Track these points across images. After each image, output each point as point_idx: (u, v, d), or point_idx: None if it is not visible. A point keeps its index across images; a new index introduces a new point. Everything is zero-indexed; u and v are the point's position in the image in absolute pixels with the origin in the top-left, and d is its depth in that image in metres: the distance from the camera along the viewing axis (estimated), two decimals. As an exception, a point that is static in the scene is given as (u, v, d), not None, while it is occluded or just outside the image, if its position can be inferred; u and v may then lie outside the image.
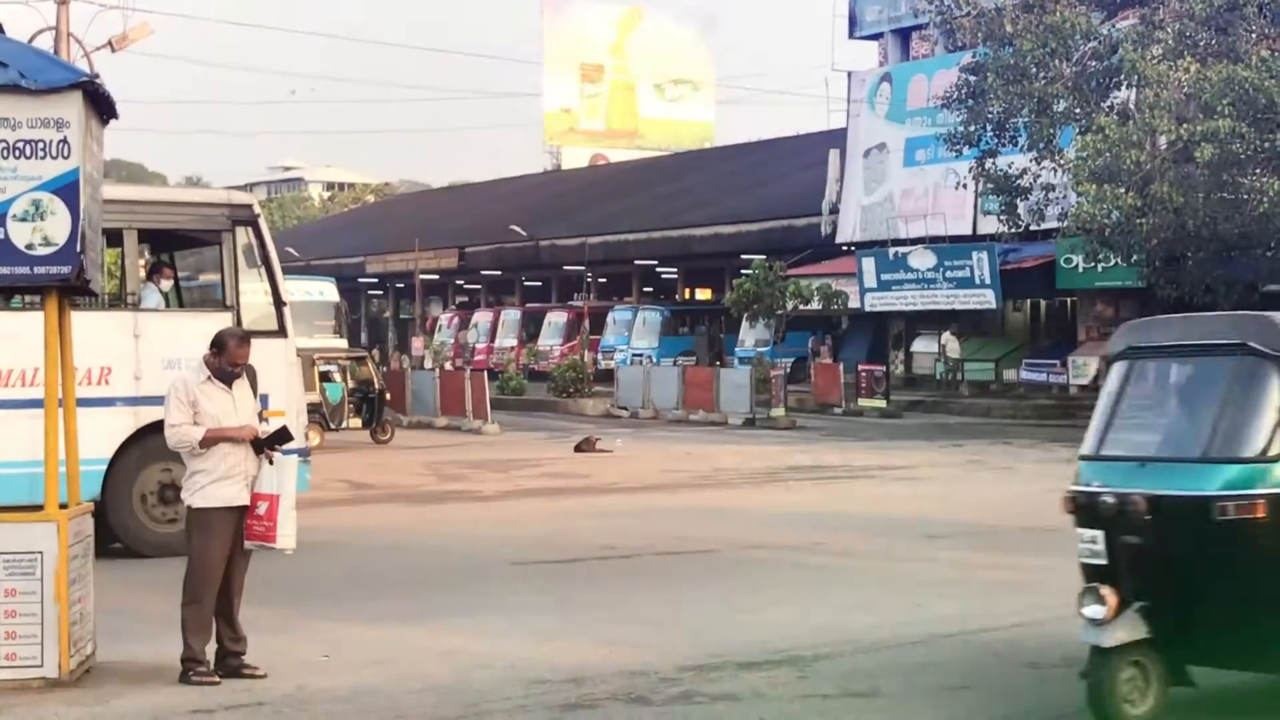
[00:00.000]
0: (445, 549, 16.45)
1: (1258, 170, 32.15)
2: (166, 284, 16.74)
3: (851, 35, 52.60)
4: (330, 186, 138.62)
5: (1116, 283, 40.51)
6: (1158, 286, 36.85)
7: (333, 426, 31.37)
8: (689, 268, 64.69)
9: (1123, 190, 32.53)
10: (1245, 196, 32.17)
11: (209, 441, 9.85)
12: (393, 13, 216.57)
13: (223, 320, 14.63)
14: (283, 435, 10.17)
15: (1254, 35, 33.31)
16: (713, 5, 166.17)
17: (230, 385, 10.01)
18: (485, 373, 41.02)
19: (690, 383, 39.95)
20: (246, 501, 9.95)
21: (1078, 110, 35.35)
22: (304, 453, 15.52)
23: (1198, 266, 34.93)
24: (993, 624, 11.60)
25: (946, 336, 44.43)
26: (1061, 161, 35.41)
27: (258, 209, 16.78)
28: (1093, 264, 38.33)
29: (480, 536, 17.56)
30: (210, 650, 9.99)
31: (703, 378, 40.17)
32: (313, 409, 29.31)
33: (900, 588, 13.45)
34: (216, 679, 9.87)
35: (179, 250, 17.89)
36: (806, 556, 15.65)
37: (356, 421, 32.11)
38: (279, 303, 16.29)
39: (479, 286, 76.45)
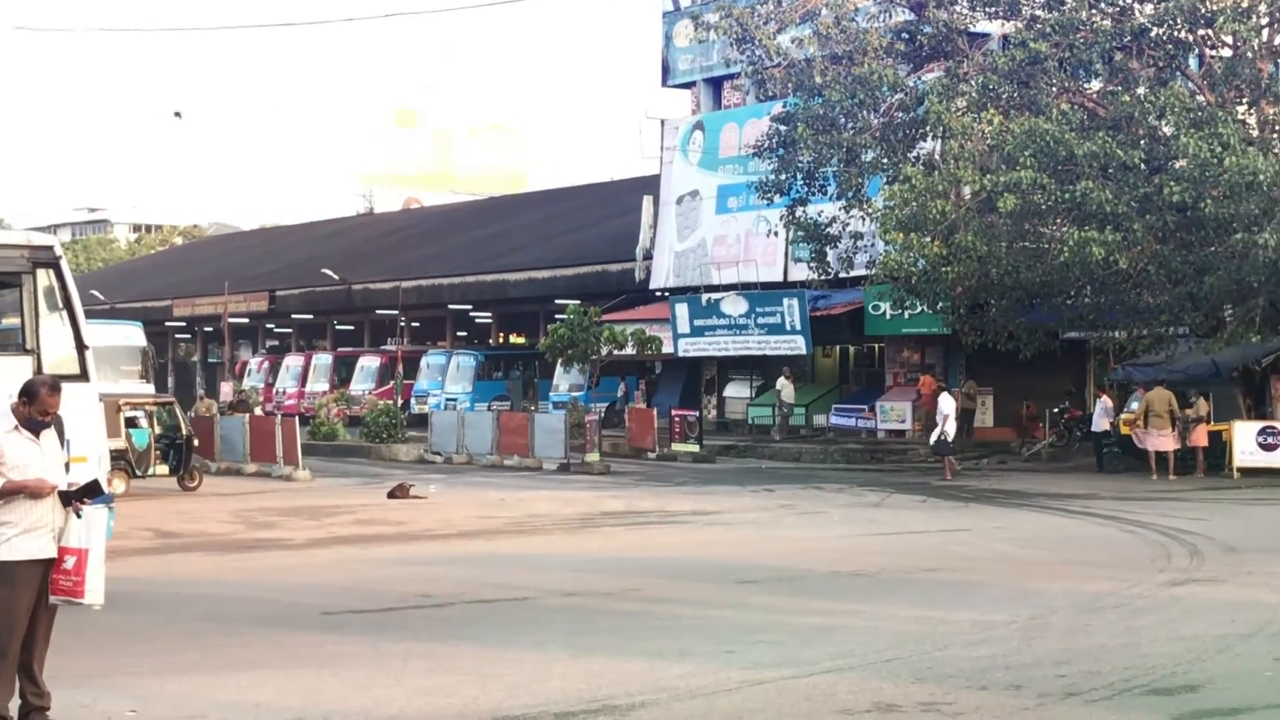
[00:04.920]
0: (255, 599, 16.21)
1: (1058, 220, 33.01)
2: (-44, 326, 16.34)
3: (665, 83, 53.07)
4: (137, 228, 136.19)
5: (923, 329, 41.31)
6: (962, 333, 37.70)
7: (139, 473, 30.79)
8: (503, 312, 64.63)
9: (928, 239, 33.21)
10: (1046, 246, 32.99)
11: (6, 492, 9.61)
12: (200, 55, 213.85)
13: (22, 364, 14.30)
14: (93, 488, 9.93)
15: (1054, 89, 34.25)
16: (528, 51, 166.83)
17: (38, 435, 9.78)
18: (296, 418, 40.48)
19: (505, 428, 39.84)
20: (54, 554, 9.70)
21: (885, 160, 36.08)
22: (108, 500, 15.16)
23: (1001, 314, 35.78)
24: (805, 670, 11.69)
25: (781, 381, 44.79)
26: (869, 210, 36.11)
27: (59, 250, 16.42)
28: (900, 311, 39.07)
29: (292, 585, 17.31)
30: (14, 706, 9.73)
31: (517, 423, 40.08)
32: (119, 455, 28.79)
33: (714, 634, 13.53)
34: (20, 735, 9.62)
35: (-22, 292, 17.45)
36: (622, 603, 15.67)
37: (163, 468, 31.53)
38: (81, 346, 15.96)
39: (290, 330, 75.58)
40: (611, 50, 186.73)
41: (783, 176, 37.85)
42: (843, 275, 39.60)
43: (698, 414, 43.26)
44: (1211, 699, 10.66)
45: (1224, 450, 32.59)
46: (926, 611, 14.66)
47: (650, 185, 52.24)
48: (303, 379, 62.84)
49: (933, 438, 34.02)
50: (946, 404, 33.69)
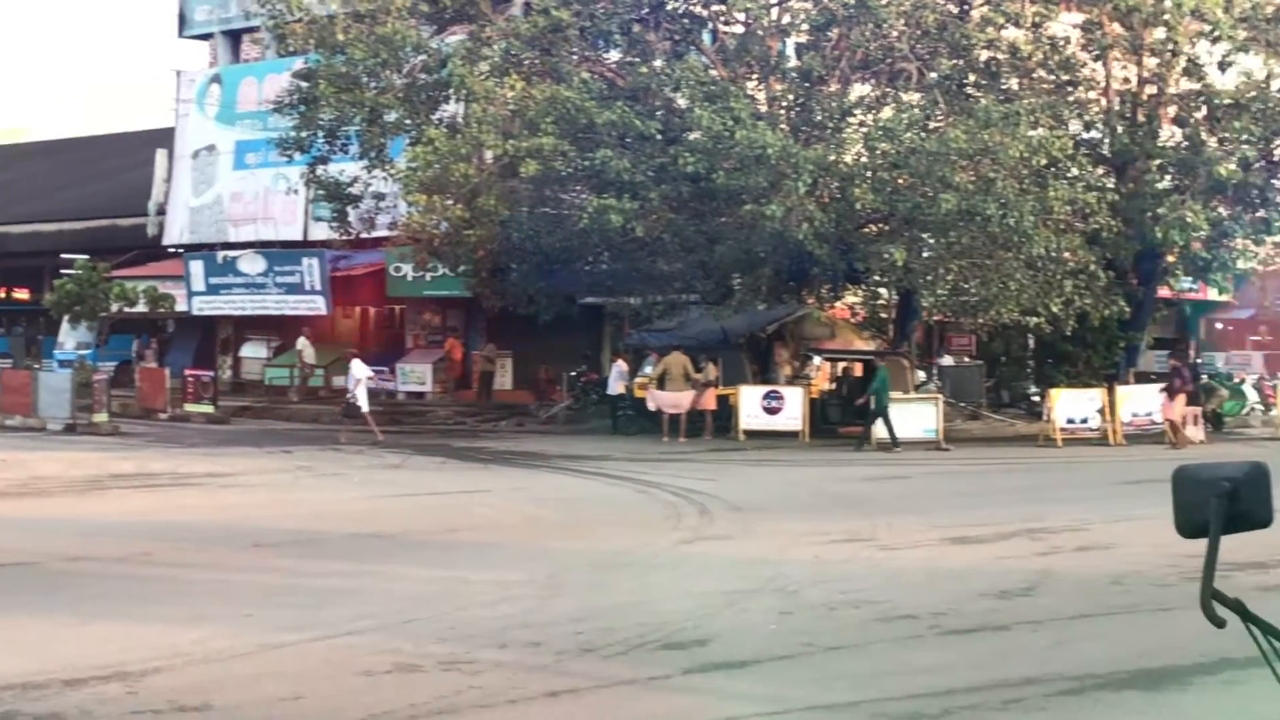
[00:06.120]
0: None
1: (578, 187, 33.62)
2: None
3: (181, 34, 51.60)
4: None
5: (444, 292, 41.47)
6: (484, 296, 38.02)
7: None
8: (4, 266, 61.55)
9: (451, 201, 33.34)
10: (566, 212, 33.58)
11: None
12: None
13: None
14: None
15: (575, 57, 34.82)
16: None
17: None
18: None
19: (5, 386, 38.01)
20: None
21: (408, 121, 36.00)
22: None
23: (522, 278, 36.22)
24: (325, 632, 11.57)
25: (302, 342, 44.13)
26: (392, 171, 35.97)
27: None
28: (422, 273, 39.09)
29: None
30: None
31: (19, 381, 38.29)
32: None
33: (231, 598, 13.25)
34: None
35: None
36: (134, 568, 15.18)
37: None
38: None
39: None
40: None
41: (303, 134, 37.29)
42: (364, 236, 39.37)
43: (213, 374, 42.29)
44: (720, 652, 11.03)
45: (731, 413, 33.84)
46: (447, 572, 14.72)
47: (165, 138, 50.68)
48: None
49: (358, 400, 33.87)
50: (359, 370, 33.79)
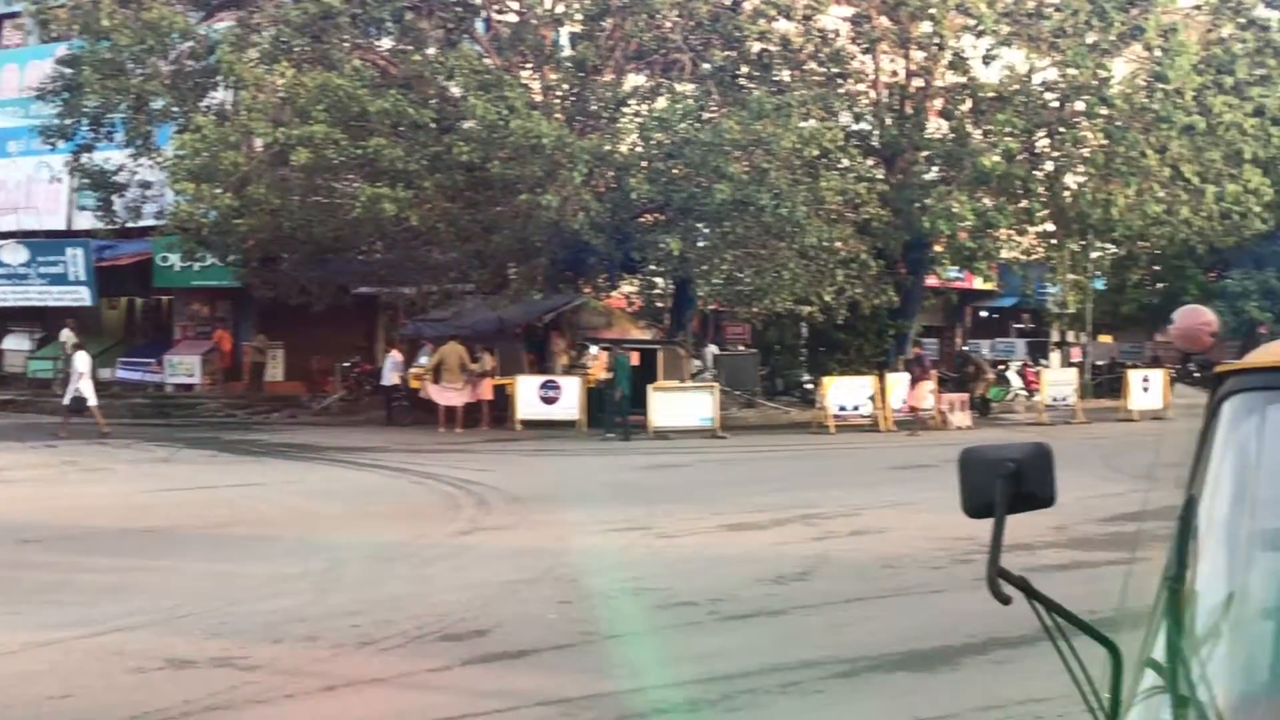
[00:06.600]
0: None
1: (351, 176, 33.22)
2: None
3: (-62, 17, 49.93)
4: None
5: (213, 282, 40.71)
6: (254, 286, 37.45)
7: None
8: None
9: (220, 190, 32.75)
10: (339, 201, 33.16)
11: None
12: None
13: None
14: None
15: (347, 45, 34.40)
16: None
17: None
18: None
19: None
20: None
21: (176, 108, 35.34)
22: None
23: (293, 268, 35.75)
24: (94, 629, 11.28)
25: (66, 334, 42.88)
26: (159, 159, 35.27)
27: None
28: (190, 263, 38.36)
29: None
30: None
31: None
32: None
33: (-4, 597, 12.87)
34: None
35: None
36: (-111, 568, 14.65)
37: None
38: None
39: None
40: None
41: (67, 121, 36.38)
42: (131, 225, 38.51)
43: (-28, 367, 41.06)
44: (500, 642, 11.00)
45: (508, 403, 33.75)
46: (220, 566, 14.47)
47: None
48: None
49: (67, 395, 32.93)
50: (82, 363, 32.83)
